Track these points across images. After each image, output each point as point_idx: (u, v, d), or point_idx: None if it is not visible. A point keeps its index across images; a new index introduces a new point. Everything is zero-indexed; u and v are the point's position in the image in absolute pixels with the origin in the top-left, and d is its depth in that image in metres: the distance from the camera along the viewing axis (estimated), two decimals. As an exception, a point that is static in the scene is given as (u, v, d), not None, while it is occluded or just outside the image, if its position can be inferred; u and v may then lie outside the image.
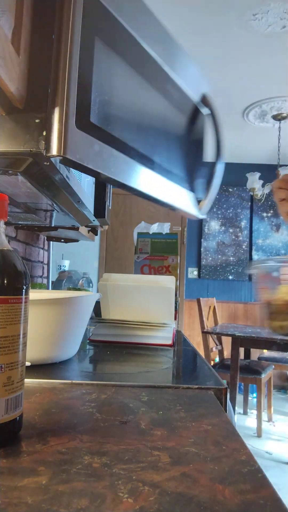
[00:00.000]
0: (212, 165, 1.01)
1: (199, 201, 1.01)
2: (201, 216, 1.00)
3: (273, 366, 3.46)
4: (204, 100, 0.98)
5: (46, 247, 2.07)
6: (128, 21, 0.70)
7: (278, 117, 3.61)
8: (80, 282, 1.94)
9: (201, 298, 3.66)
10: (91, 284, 1.99)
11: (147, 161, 0.75)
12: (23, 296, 0.43)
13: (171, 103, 0.85)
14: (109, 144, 0.64)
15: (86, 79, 0.61)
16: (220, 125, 1.00)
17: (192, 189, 0.96)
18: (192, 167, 0.97)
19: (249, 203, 4.94)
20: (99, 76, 0.63)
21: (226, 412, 0.60)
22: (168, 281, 1.53)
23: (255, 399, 3.93)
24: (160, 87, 0.81)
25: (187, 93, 0.92)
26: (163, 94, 0.82)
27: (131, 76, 0.72)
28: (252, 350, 3.73)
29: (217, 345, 3.37)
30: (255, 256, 4.86)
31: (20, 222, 1.40)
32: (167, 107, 0.84)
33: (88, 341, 1.12)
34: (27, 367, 0.62)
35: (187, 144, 0.93)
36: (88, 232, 1.79)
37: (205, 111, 1.00)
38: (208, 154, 1.06)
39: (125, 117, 0.69)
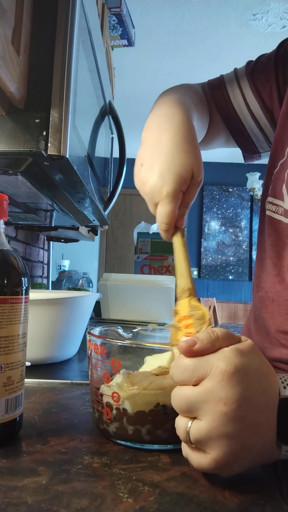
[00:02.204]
0: (119, 166, 1.15)
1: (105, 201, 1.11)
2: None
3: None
4: (110, 106, 1.12)
5: (46, 247, 2.07)
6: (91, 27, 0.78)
7: (278, 117, 3.61)
8: (80, 282, 1.94)
9: (201, 298, 3.66)
10: (91, 284, 1.99)
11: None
12: (23, 296, 0.43)
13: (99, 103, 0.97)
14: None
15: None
16: (121, 128, 1.16)
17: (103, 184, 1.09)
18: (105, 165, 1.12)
19: (249, 203, 4.94)
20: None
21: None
22: (168, 281, 1.53)
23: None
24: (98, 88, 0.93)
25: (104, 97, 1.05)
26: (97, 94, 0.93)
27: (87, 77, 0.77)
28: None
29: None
30: (255, 256, 4.86)
31: (20, 222, 1.40)
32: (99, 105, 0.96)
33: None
34: (27, 367, 0.62)
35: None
36: (88, 232, 1.79)
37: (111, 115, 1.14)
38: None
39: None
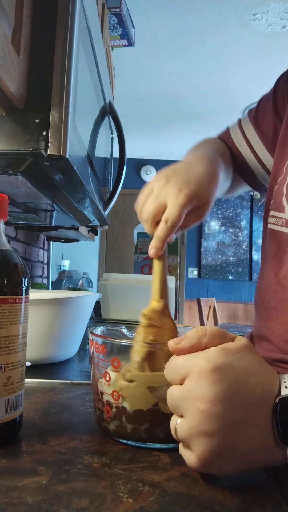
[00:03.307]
0: (119, 165, 1.16)
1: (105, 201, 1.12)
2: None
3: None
4: (110, 106, 1.13)
5: (46, 247, 2.07)
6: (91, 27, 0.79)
7: (278, 117, 3.61)
8: (80, 282, 1.94)
9: (201, 298, 3.66)
10: (91, 284, 1.99)
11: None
12: (23, 296, 0.43)
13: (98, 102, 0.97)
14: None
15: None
16: (121, 128, 1.16)
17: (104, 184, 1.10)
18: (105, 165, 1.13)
19: (249, 203, 4.94)
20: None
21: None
22: (168, 281, 1.53)
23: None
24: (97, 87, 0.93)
25: (104, 97, 1.05)
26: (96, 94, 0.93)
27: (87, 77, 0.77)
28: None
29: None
30: (255, 256, 4.86)
31: (20, 222, 1.40)
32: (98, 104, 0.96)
33: (88, 341, 1.12)
34: (27, 367, 0.62)
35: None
36: (88, 232, 1.79)
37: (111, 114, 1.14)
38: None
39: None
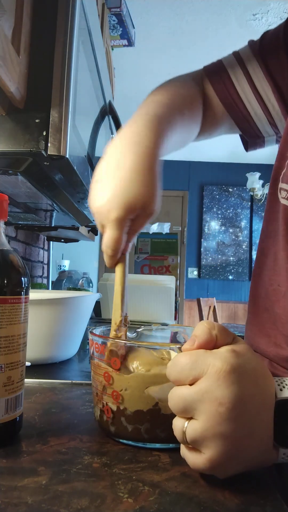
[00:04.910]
0: None
1: None
2: None
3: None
4: (110, 106, 1.12)
5: (46, 247, 2.06)
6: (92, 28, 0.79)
7: (278, 117, 3.60)
8: (80, 282, 1.94)
9: (201, 298, 3.66)
10: (91, 284, 1.99)
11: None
12: (23, 296, 0.43)
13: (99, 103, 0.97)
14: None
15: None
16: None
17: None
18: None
19: (249, 203, 4.94)
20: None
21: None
22: (168, 281, 1.54)
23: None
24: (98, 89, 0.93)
25: (104, 97, 1.05)
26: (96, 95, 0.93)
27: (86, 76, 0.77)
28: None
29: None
30: (255, 256, 4.86)
31: (20, 222, 1.40)
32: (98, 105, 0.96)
33: (88, 341, 1.12)
34: (27, 367, 0.62)
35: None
36: (88, 232, 1.79)
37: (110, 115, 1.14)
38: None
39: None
